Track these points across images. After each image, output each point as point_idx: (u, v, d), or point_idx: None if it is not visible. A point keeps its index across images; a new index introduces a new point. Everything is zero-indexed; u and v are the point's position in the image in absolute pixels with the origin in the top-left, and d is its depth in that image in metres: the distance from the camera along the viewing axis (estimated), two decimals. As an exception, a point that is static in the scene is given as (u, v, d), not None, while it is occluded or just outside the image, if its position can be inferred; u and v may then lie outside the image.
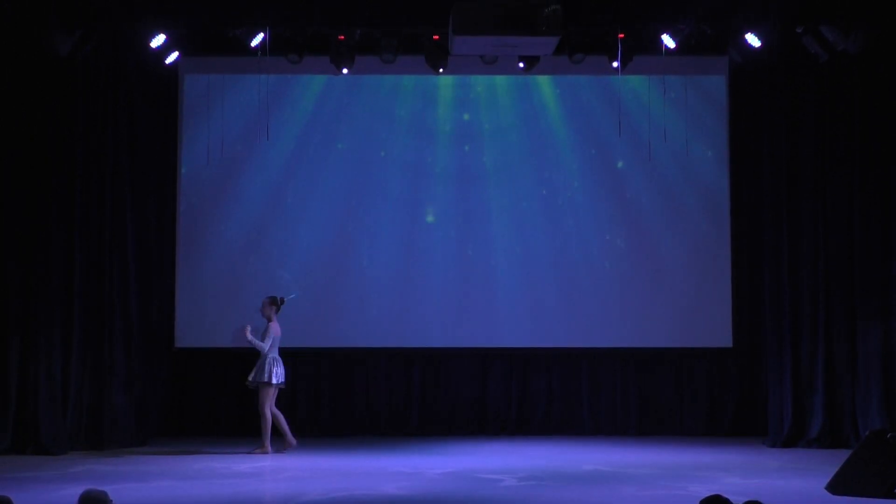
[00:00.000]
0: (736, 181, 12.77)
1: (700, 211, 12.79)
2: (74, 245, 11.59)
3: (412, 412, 12.85)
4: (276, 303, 11.34)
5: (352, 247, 12.77)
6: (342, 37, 11.62)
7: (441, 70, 11.94)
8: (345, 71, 11.96)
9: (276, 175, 12.79)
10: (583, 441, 12.30)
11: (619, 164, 12.81)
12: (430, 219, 12.85)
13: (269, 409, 11.20)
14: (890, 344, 11.54)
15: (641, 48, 11.75)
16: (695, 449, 11.62)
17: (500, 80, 12.84)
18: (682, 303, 12.67)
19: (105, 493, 5.46)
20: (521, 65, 12.09)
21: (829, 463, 9.88)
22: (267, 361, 11.15)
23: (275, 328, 11.26)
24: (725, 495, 5.20)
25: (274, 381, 11.14)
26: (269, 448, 11.18)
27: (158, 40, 11.43)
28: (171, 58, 11.96)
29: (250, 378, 11.24)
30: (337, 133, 12.85)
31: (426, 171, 12.87)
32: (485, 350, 12.84)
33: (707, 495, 5.25)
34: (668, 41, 11.46)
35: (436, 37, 11.57)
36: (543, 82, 12.85)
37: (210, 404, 12.77)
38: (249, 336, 11.12)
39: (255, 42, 11.29)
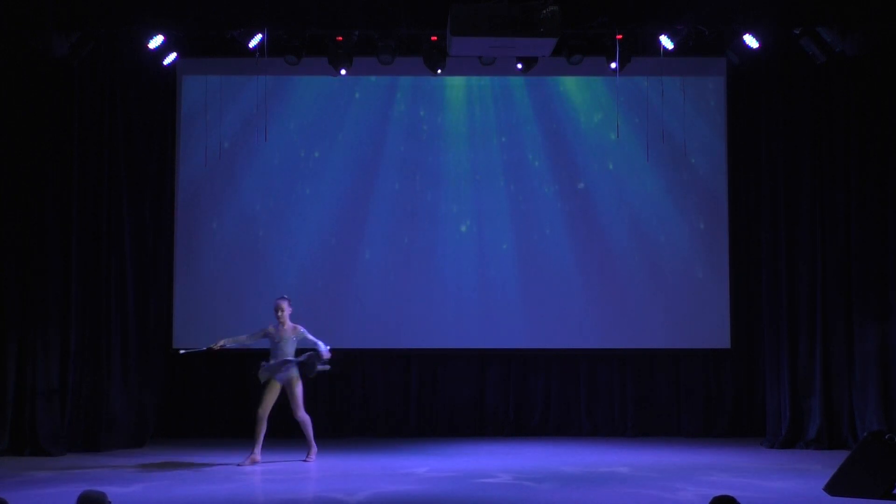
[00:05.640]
0: (734, 182, 12.78)
1: (698, 212, 12.80)
2: (72, 246, 11.59)
3: (410, 413, 12.85)
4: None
5: (350, 248, 12.77)
6: (340, 38, 11.62)
7: (439, 71, 11.93)
8: (343, 72, 11.95)
9: (273, 176, 12.79)
10: (580, 442, 12.30)
11: (617, 166, 12.81)
12: (428, 220, 12.84)
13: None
14: (887, 345, 11.56)
15: (639, 49, 11.76)
16: (692, 450, 11.62)
17: (499, 82, 12.84)
18: (679, 304, 12.68)
19: (103, 494, 5.47)
20: (520, 66, 12.08)
21: (827, 464, 9.91)
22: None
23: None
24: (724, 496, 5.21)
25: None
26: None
27: (156, 41, 11.41)
28: (170, 59, 11.94)
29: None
30: (335, 134, 12.85)
31: (425, 171, 12.87)
32: (482, 351, 12.85)
33: (717, 495, 5.24)
34: (666, 42, 11.45)
35: (434, 38, 11.57)
36: (541, 84, 12.85)
37: (207, 405, 12.77)
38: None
39: (253, 43, 11.27)
